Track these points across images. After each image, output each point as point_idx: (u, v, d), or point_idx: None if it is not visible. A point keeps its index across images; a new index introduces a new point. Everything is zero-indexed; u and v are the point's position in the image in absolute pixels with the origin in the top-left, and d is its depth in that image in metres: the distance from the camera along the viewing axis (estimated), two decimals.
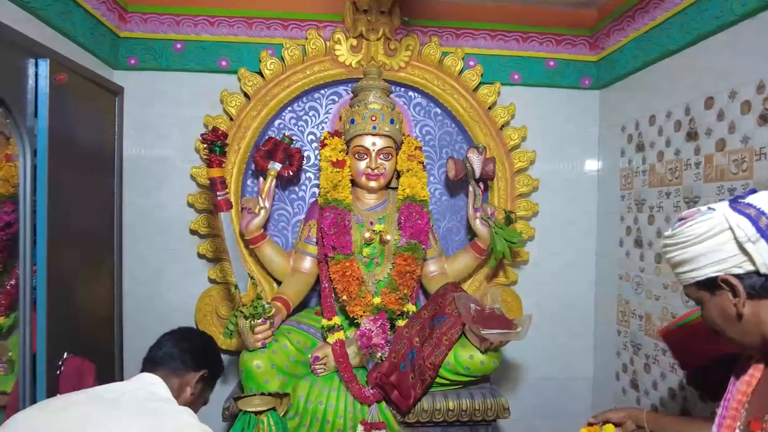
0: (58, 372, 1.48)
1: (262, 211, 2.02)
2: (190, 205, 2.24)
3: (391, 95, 2.19)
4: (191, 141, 2.23)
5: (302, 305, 2.10)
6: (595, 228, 2.48)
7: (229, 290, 2.18)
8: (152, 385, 1.10)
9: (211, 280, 2.25)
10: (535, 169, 2.40)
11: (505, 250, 2.10)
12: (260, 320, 1.70)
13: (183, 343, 1.22)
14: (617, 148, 2.30)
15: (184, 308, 2.25)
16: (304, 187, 2.32)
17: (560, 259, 2.46)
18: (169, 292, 2.24)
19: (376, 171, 2.01)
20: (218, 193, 1.65)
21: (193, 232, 2.24)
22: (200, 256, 2.25)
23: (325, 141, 2.05)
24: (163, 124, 2.26)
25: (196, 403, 1.25)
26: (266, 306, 1.71)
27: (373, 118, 1.98)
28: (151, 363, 1.21)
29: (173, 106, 2.26)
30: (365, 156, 2.02)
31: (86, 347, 1.68)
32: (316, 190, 2.31)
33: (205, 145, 1.64)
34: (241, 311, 1.69)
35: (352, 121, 2.02)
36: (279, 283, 2.18)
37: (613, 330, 2.32)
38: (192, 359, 1.23)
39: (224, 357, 2.27)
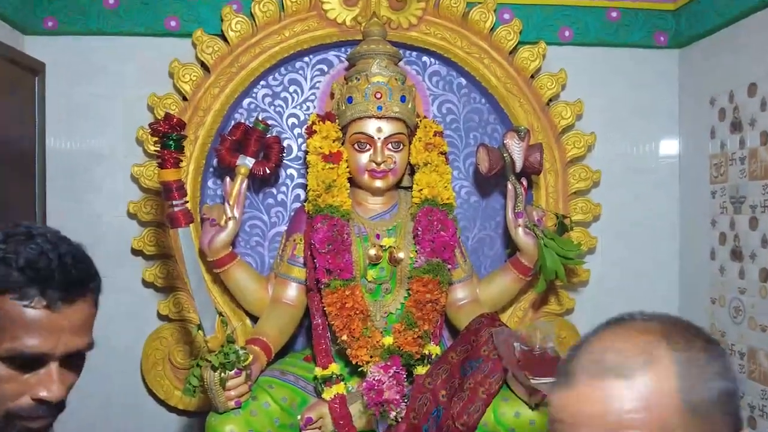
0: None
1: (231, 223, 2.04)
2: (132, 216, 2.26)
3: (401, 63, 2.21)
4: (132, 129, 2.25)
5: (286, 348, 2.12)
6: (677, 235, 2.51)
7: (189, 330, 2.20)
8: None
9: (163, 317, 2.26)
10: (594, 158, 2.42)
11: (558, 268, 2.12)
12: (233, 371, 1.71)
13: None
14: (705, 128, 2.32)
15: (125, 354, 2.27)
16: (284, 189, 2.34)
17: (631, 278, 2.48)
18: (105, 331, 2.23)
19: (383, 166, 2.03)
20: (174, 202, 1.67)
21: (136, 251, 2.25)
22: (147, 284, 2.27)
23: (314, 127, 2.07)
24: (92, 107, 2.28)
25: None
26: (240, 352, 1.73)
27: (378, 95, 2.00)
28: None
29: (106, 84, 2.27)
30: (368, 146, 2.04)
31: None
32: (302, 192, 2.33)
33: (155, 139, 1.65)
34: (208, 360, 1.71)
35: (350, 100, 2.04)
36: (253, 318, 2.20)
37: None
38: None
39: (183, 420, 2.30)
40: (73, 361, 1.01)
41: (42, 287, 0.94)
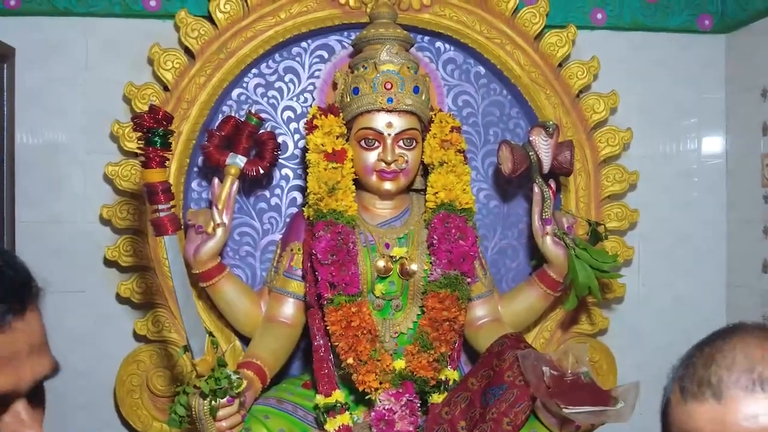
0: None
1: (219, 230, 2.05)
2: (106, 222, 2.28)
3: (412, 49, 2.24)
4: (106, 123, 2.27)
5: (280, 373, 2.14)
6: (724, 245, 2.54)
7: (170, 352, 2.21)
8: None
9: (140, 337, 2.28)
10: (630, 157, 2.46)
11: (592, 283, 2.15)
12: (225, 399, 1.72)
13: None
14: (756, 123, 2.36)
15: (96, 379, 2.28)
16: (278, 192, 2.36)
17: (672, 293, 2.52)
18: (74, 354, 2.28)
19: (393, 166, 2.04)
20: (160, 206, 1.68)
21: (110, 262, 2.28)
22: (122, 299, 2.29)
23: (315, 121, 2.09)
24: (58, 98, 2.31)
25: None
26: (233, 377, 1.74)
27: (388, 86, 2.03)
28: None
29: (77, 71, 2.30)
30: (376, 143, 2.06)
31: None
32: (298, 195, 2.35)
33: (138, 134, 1.67)
34: (196, 386, 1.72)
35: (356, 91, 2.07)
36: (243, 339, 2.22)
37: None
38: None
39: None
40: (39, 394, 0.88)
41: None
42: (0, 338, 0.79)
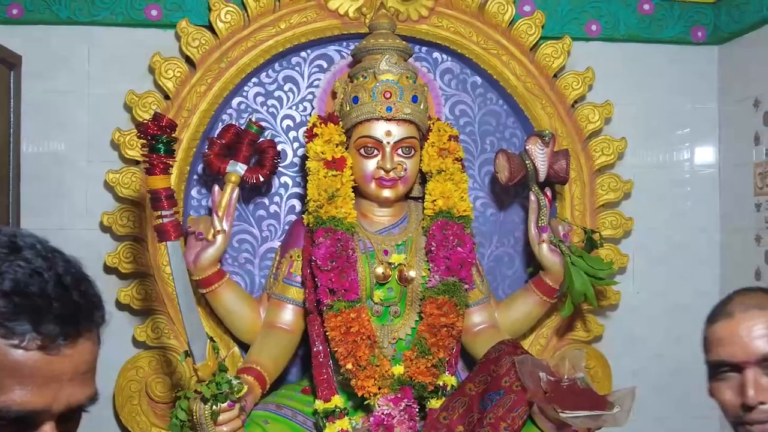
0: None
1: (220, 237, 2.07)
2: (106, 229, 2.29)
3: (410, 59, 2.27)
4: (107, 131, 2.28)
5: (279, 379, 2.15)
6: (717, 253, 2.57)
7: (169, 358, 2.22)
8: None
9: (139, 343, 2.29)
10: (625, 166, 2.50)
11: (588, 290, 2.17)
12: (226, 403, 1.74)
13: None
14: (748, 133, 2.40)
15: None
16: (277, 199, 2.39)
17: (666, 301, 2.54)
18: None
19: (392, 174, 2.07)
20: (163, 212, 1.70)
21: (110, 269, 2.29)
22: (121, 306, 2.30)
23: (315, 129, 2.11)
24: (60, 105, 2.32)
25: None
26: (234, 382, 1.75)
27: (387, 95, 2.05)
28: None
29: (78, 79, 2.32)
30: (376, 151, 2.08)
31: None
32: (297, 203, 2.38)
33: (143, 142, 1.69)
34: (198, 391, 1.74)
35: (355, 100, 2.09)
36: (242, 345, 2.24)
37: None
38: None
39: None
40: (71, 418, 0.87)
41: (35, 319, 0.79)
42: (46, 359, 0.80)
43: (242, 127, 2.18)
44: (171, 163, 1.72)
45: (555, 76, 2.40)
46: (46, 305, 0.79)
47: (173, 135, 1.71)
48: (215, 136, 2.18)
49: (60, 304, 0.81)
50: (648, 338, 2.55)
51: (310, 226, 2.06)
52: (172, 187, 1.75)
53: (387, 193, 2.10)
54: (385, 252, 2.10)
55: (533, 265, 2.33)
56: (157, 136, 1.67)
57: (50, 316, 0.80)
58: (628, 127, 2.48)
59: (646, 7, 2.49)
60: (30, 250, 0.83)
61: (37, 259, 0.82)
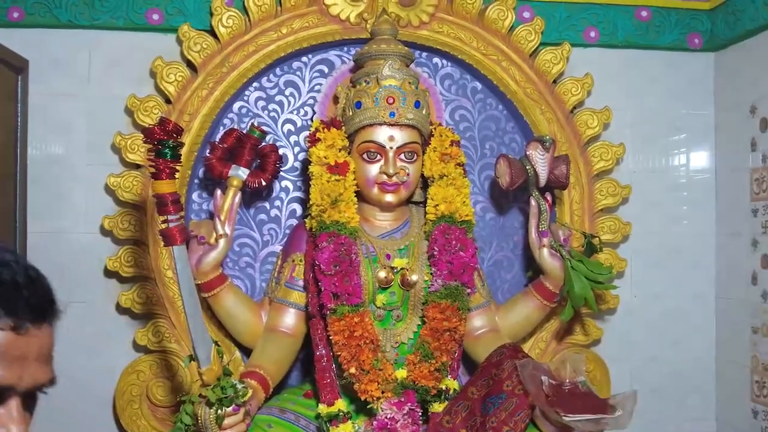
0: None
1: (222, 241, 2.07)
2: (107, 233, 2.29)
3: (412, 64, 2.28)
4: (108, 135, 2.29)
5: (280, 383, 2.15)
6: (713, 258, 2.60)
7: (170, 362, 2.22)
8: None
9: (140, 348, 2.29)
10: (623, 171, 2.52)
11: (588, 294, 2.18)
12: (231, 407, 1.74)
13: None
14: (745, 139, 2.43)
15: (96, 389, 2.29)
16: (278, 203, 2.39)
17: (663, 305, 2.57)
18: (74, 363, 2.27)
19: (395, 178, 2.08)
20: (169, 217, 1.69)
21: (110, 273, 2.28)
22: (122, 310, 2.30)
23: (318, 134, 2.12)
24: (60, 109, 2.32)
25: None
26: (239, 386, 1.75)
27: (390, 101, 2.06)
28: None
29: (79, 83, 2.33)
30: (378, 156, 2.09)
31: None
32: (298, 207, 2.38)
33: (149, 146, 1.69)
34: (202, 395, 1.74)
35: (358, 105, 2.10)
36: (243, 349, 2.24)
37: (746, 410, 2.42)
38: None
39: None
40: (32, 400, 0.96)
41: (8, 305, 0.89)
42: (16, 339, 0.89)
43: (244, 132, 2.18)
44: (177, 167, 1.72)
45: (554, 81, 2.43)
46: (17, 292, 0.90)
47: (179, 140, 1.71)
48: (217, 140, 2.18)
49: (29, 292, 0.92)
50: (645, 341, 2.58)
51: (313, 230, 2.06)
52: (178, 192, 1.75)
53: (389, 197, 2.11)
54: (388, 256, 2.11)
55: (533, 269, 2.34)
56: (164, 141, 1.66)
57: (22, 302, 0.90)
58: (626, 133, 2.52)
59: (644, 14, 2.52)
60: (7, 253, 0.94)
61: (5, 253, 0.93)
